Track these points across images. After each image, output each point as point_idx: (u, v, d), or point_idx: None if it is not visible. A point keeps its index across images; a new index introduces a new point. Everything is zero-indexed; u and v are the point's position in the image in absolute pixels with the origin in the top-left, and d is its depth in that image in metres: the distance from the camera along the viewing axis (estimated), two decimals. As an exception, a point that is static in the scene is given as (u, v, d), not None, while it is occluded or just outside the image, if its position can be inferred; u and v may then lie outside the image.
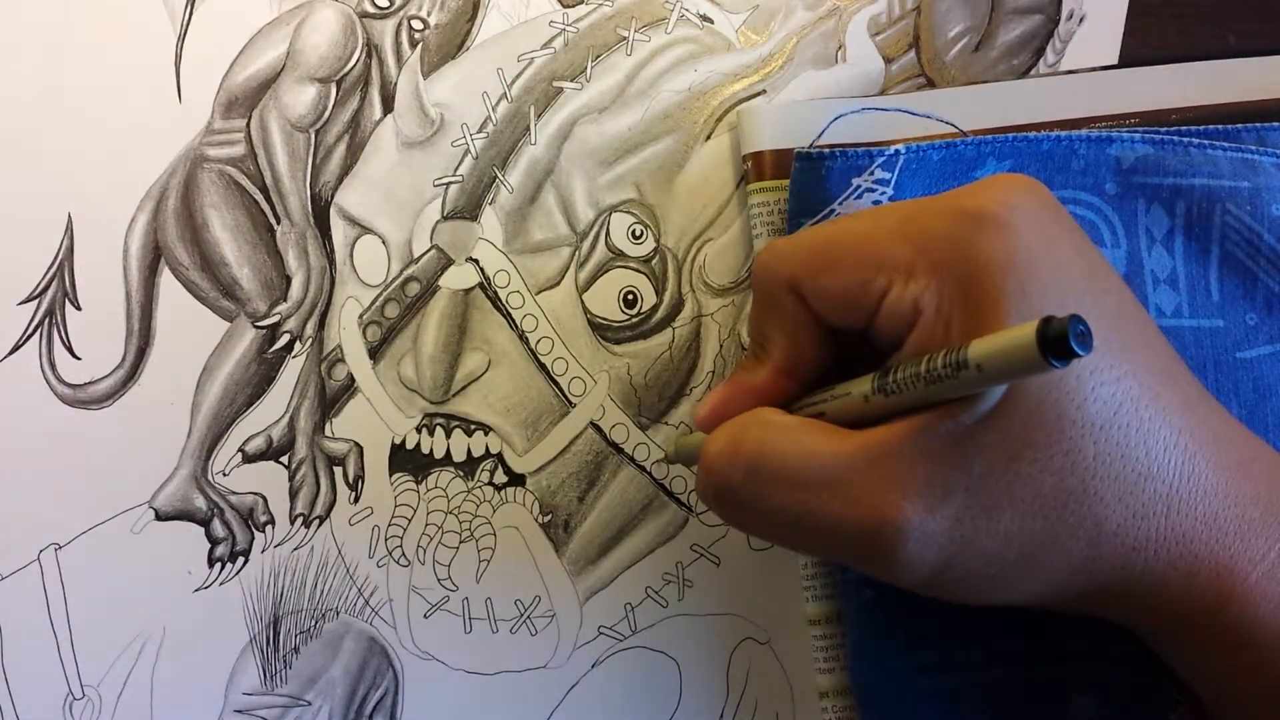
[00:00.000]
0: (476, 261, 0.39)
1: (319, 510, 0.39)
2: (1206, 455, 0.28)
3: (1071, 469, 0.27)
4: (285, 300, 0.39)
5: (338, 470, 0.39)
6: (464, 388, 0.39)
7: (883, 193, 0.36)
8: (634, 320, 0.39)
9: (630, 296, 0.39)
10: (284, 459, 0.39)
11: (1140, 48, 0.40)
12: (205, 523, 0.39)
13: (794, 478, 0.28)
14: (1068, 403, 0.27)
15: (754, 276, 0.32)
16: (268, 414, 0.39)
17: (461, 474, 0.39)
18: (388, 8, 0.40)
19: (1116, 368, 0.27)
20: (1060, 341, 0.23)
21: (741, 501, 0.30)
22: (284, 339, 0.39)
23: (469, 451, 0.39)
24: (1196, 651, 0.30)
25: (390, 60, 0.40)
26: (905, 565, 0.28)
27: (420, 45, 0.40)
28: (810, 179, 0.37)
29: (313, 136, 0.39)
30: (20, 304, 0.39)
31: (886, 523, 0.27)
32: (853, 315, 0.30)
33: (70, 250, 0.39)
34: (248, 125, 0.39)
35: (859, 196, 0.36)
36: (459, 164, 0.40)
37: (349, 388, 0.39)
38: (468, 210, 0.40)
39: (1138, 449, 0.27)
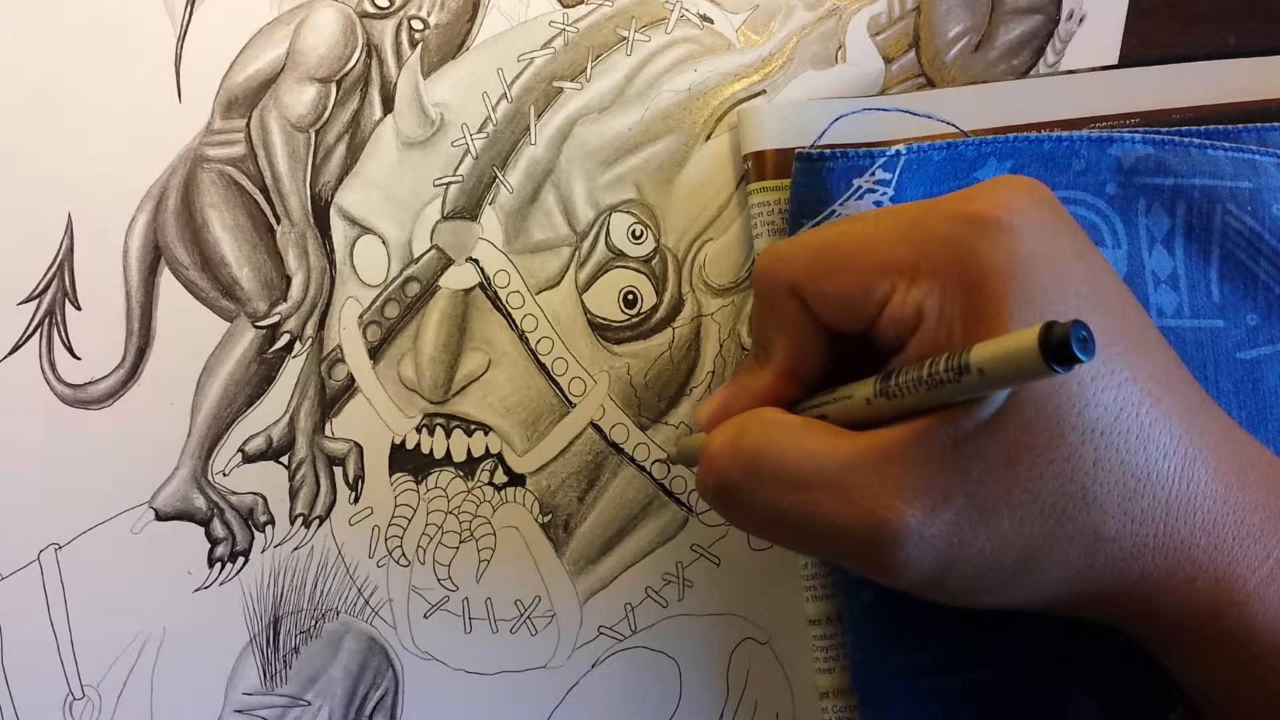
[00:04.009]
0: (476, 261, 0.39)
1: (319, 510, 0.39)
2: (1206, 461, 0.28)
3: (1071, 474, 0.27)
4: (285, 300, 0.39)
5: (338, 470, 0.39)
6: (464, 388, 0.39)
7: (884, 193, 0.36)
8: (634, 320, 0.39)
9: (630, 296, 0.39)
10: (284, 459, 0.39)
11: (1140, 48, 0.40)
12: (205, 523, 0.39)
13: (793, 477, 0.28)
14: (1068, 408, 0.27)
15: (755, 280, 0.32)
16: (268, 414, 0.39)
17: (461, 474, 0.39)
18: (388, 8, 0.40)
19: (1118, 373, 0.27)
20: (1063, 347, 0.23)
21: (740, 499, 0.30)
22: (284, 339, 0.39)
23: (469, 451, 0.39)
24: (1194, 657, 0.30)
25: (390, 60, 0.40)
26: (902, 568, 0.28)
27: (420, 45, 0.40)
28: (811, 180, 0.37)
29: (313, 136, 0.39)
30: (20, 304, 0.39)
31: (883, 525, 0.27)
32: (854, 319, 0.30)
33: (70, 250, 0.39)
34: (248, 125, 0.39)
35: (860, 197, 0.36)
36: (459, 164, 0.40)
37: (349, 388, 0.39)
38: (468, 210, 0.40)
39: (1137, 455, 0.27)
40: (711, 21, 0.40)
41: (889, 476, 0.27)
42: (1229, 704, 0.30)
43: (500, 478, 0.39)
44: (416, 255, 0.39)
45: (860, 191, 0.36)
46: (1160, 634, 0.30)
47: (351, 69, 0.40)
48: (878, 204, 0.36)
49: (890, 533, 0.27)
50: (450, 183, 0.40)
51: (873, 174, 0.36)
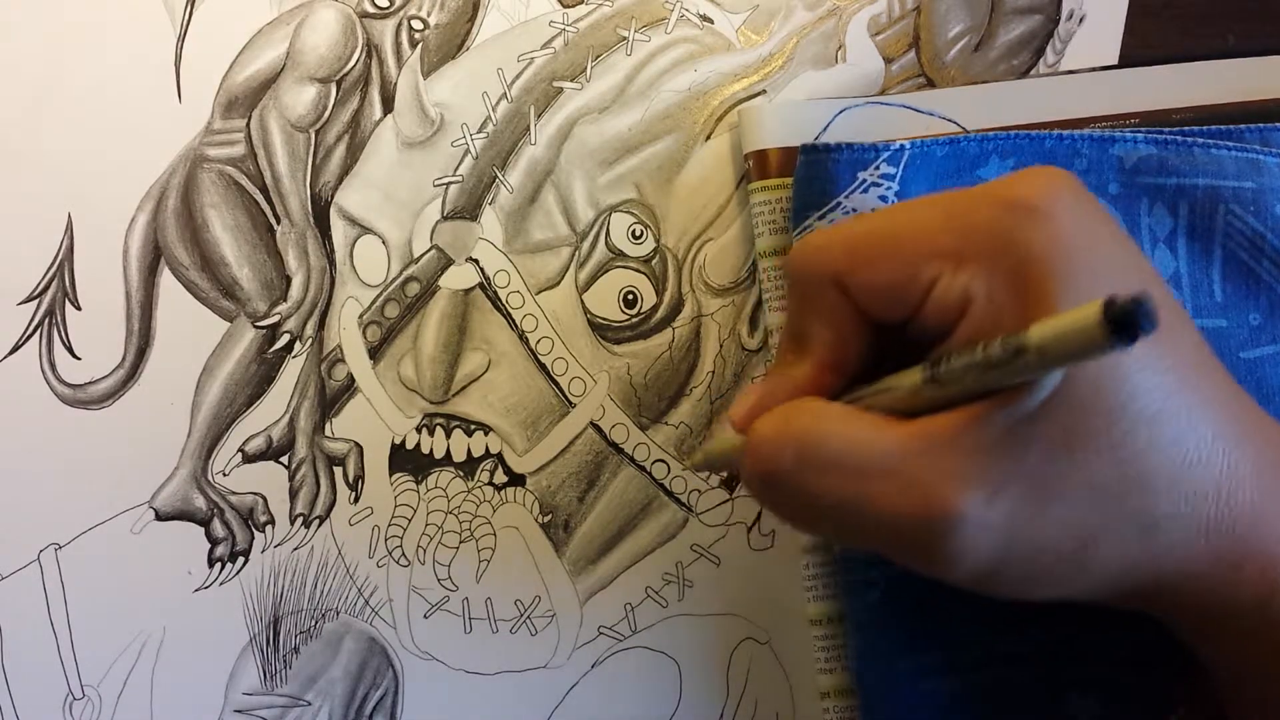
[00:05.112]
0: (476, 261, 0.39)
1: (319, 510, 0.39)
2: (1251, 442, 0.28)
3: (1127, 458, 0.27)
4: (285, 300, 0.39)
5: (338, 470, 0.39)
6: (464, 388, 0.39)
7: (888, 187, 0.36)
8: (634, 320, 0.39)
9: (630, 296, 0.39)
10: (284, 459, 0.39)
11: (1140, 48, 0.40)
12: (205, 523, 0.39)
13: (846, 463, 0.28)
14: (1120, 391, 0.26)
15: (790, 273, 0.31)
16: (268, 414, 0.39)
17: (461, 474, 0.39)
18: (388, 8, 0.40)
19: (1164, 358, 0.27)
20: (1126, 320, 0.23)
21: (790, 488, 0.29)
22: (284, 339, 0.39)
23: (469, 451, 0.39)
24: (1238, 646, 0.30)
25: (390, 60, 0.40)
26: (958, 558, 0.27)
27: (420, 45, 0.40)
28: (816, 172, 0.37)
29: (313, 136, 0.39)
30: (20, 304, 0.39)
31: (942, 514, 0.26)
32: (898, 308, 0.29)
33: (70, 250, 0.39)
34: (248, 125, 0.39)
35: (865, 190, 0.36)
36: (459, 164, 0.40)
37: (349, 388, 0.39)
38: (468, 210, 0.40)
39: (1189, 437, 0.27)
40: (711, 21, 0.40)
41: (945, 463, 0.27)
42: (1272, 695, 0.29)
43: (500, 478, 0.39)
44: (416, 255, 0.39)
45: (865, 184, 0.36)
46: (1205, 624, 0.30)
47: (351, 69, 0.40)
48: (882, 198, 0.36)
49: (949, 521, 0.26)
50: (450, 183, 0.40)
51: (877, 167, 0.36)
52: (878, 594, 0.35)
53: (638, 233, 0.40)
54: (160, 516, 0.39)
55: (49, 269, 0.39)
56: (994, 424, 0.26)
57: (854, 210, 0.36)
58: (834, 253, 0.30)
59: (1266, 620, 0.28)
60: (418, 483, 0.39)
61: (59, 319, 0.39)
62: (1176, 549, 0.28)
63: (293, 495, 0.39)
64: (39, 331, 0.39)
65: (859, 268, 0.30)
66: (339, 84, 0.40)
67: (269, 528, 0.39)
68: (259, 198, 0.39)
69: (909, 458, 0.27)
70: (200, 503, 0.39)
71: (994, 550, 0.27)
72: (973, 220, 0.28)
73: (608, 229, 0.40)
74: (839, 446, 0.28)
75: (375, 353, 0.39)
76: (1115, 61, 0.40)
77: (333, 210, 0.39)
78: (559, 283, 0.39)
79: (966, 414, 0.27)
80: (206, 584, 0.38)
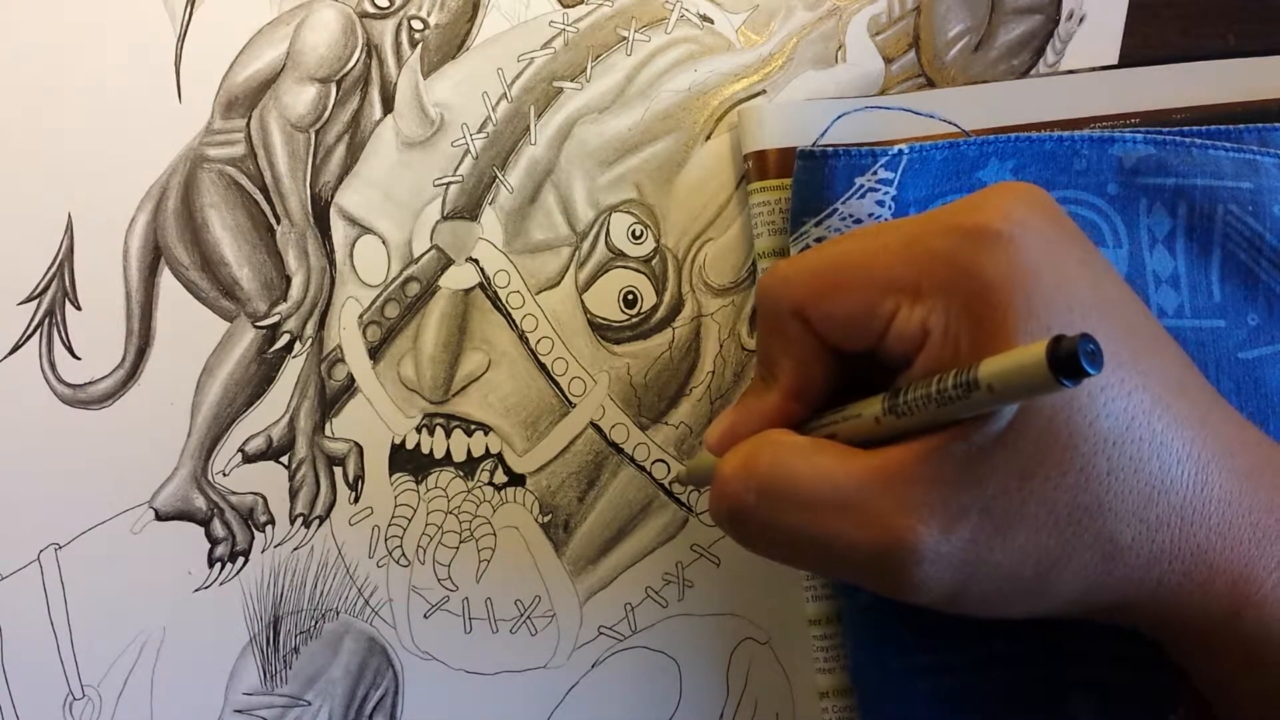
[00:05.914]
0: (476, 261, 0.39)
1: (319, 510, 0.39)
2: (1220, 464, 0.28)
3: (1085, 485, 0.27)
4: (285, 300, 0.39)
5: (338, 470, 0.39)
6: (464, 388, 0.39)
7: (886, 192, 0.36)
8: (634, 320, 0.39)
9: (630, 296, 0.39)
10: (284, 459, 0.39)
11: (1140, 48, 0.40)
12: (205, 523, 0.39)
13: (807, 499, 0.28)
14: (1080, 419, 0.27)
15: (758, 302, 0.32)
16: (268, 414, 0.39)
17: (461, 474, 0.39)
18: (388, 8, 0.40)
19: (1128, 381, 0.27)
20: (1070, 361, 0.23)
21: (755, 523, 0.30)
22: (284, 339, 0.39)
23: (469, 451, 0.39)
24: (1213, 660, 0.30)
25: (390, 60, 0.40)
26: (921, 587, 0.27)
27: (420, 45, 0.40)
28: (813, 178, 0.37)
29: (313, 136, 0.39)
30: (20, 304, 0.39)
31: (901, 546, 0.27)
32: (859, 339, 0.29)
33: (70, 250, 0.39)
34: (248, 125, 0.39)
35: (862, 195, 0.36)
36: (459, 164, 0.40)
37: (349, 388, 0.39)
38: (468, 210, 0.40)
39: (1151, 462, 0.27)
40: (711, 21, 0.40)
41: (904, 495, 0.27)
42: (1247, 706, 0.30)
43: (500, 478, 0.39)
44: (416, 255, 0.39)
45: (862, 190, 0.36)
46: (1180, 638, 0.30)
47: (351, 69, 0.40)
48: (880, 203, 0.36)
49: (907, 552, 0.27)
50: (450, 183, 0.40)
51: (875, 173, 0.36)
52: (869, 595, 0.35)
53: (638, 233, 0.40)
54: (160, 516, 0.39)
55: (49, 269, 0.39)
56: (951, 455, 0.27)
57: (851, 216, 0.36)
58: (796, 284, 0.30)
59: (1238, 633, 0.28)
60: (418, 483, 0.39)
61: (59, 319, 0.39)
62: (1142, 572, 0.28)
63: (293, 495, 0.39)
64: (39, 331, 0.39)
65: (820, 300, 0.30)
66: (339, 84, 0.40)
67: (269, 528, 0.39)
68: (259, 198, 0.39)
69: (869, 490, 0.27)
70: (200, 503, 0.39)
71: (955, 578, 0.27)
72: (931, 249, 0.28)
73: (608, 229, 0.40)
74: (801, 482, 0.29)
75: (375, 353, 0.39)
76: (1115, 61, 0.40)
77: (333, 210, 0.39)
78: (559, 283, 0.39)
79: (925, 445, 0.27)
80: (206, 584, 0.39)
